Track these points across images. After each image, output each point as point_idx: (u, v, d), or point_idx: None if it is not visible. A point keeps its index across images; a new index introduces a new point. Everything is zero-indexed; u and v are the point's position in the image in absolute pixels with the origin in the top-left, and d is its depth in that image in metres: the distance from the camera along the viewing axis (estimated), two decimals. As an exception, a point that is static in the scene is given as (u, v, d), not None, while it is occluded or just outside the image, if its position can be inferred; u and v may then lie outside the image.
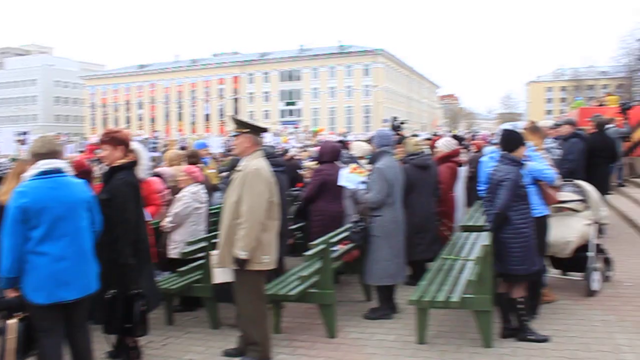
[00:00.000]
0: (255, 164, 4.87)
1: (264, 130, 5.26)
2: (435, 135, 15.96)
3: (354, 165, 6.54)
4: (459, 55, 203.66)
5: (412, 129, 48.47)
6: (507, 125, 5.95)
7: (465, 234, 7.11)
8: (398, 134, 11.84)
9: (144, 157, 6.12)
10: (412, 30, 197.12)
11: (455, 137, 10.33)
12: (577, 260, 6.68)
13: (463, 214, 7.95)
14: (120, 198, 4.63)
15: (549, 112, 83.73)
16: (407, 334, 5.59)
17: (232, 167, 6.21)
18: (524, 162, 5.34)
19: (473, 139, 17.77)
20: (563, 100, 78.09)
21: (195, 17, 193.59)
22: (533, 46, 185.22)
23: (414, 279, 6.50)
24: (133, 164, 4.90)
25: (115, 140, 4.83)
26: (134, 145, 5.49)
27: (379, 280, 6.09)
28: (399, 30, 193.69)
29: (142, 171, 5.74)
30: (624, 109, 15.05)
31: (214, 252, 5.21)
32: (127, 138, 4.94)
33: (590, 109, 17.05)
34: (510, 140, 5.31)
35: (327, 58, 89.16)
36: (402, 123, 19.58)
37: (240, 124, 5.08)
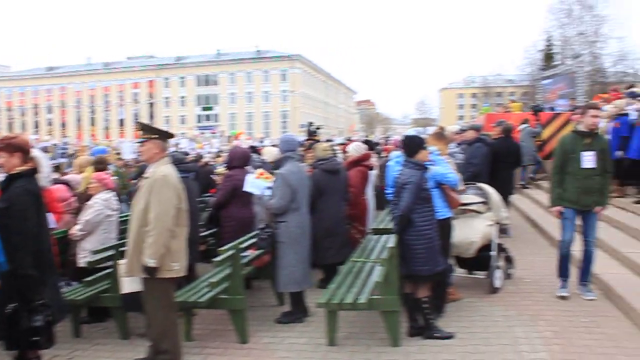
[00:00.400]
0: (162, 171, 4.79)
1: (171, 136, 5.19)
2: (349, 140, 16.22)
3: (260, 171, 6.55)
4: (375, 61, 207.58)
5: (329, 134, 48.99)
6: (412, 131, 6.15)
7: (376, 236, 7.27)
8: (313, 140, 11.93)
9: (45, 164, 5.90)
10: (329, 36, 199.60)
11: (366, 142, 10.55)
12: (480, 259, 7.00)
13: (374, 217, 8.12)
14: (19, 206, 4.43)
15: (460, 117, 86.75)
16: (319, 336, 5.65)
17: (139, 174, 6.10)
18: (427, 166, 5.53)
19: (387, 144, 18.18)
20: (473, 106, 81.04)
21: (108, 19, 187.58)
22: (446, 54, 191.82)
23: (326, 283, 6.56)
24: (33, 171, 4.70)
25: (12, 146, 4.62)
26: (34, 152, 5.28)
27: (285, 286, 6.13)
28: (315, 36, 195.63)
29: (43, 179, 5.52)
30: (536, 111, 16.03)
31: (121, 262, 5.09)
32: (25, 144, 4.72)
33: (496, 114, 17.82)
34: (411, 145, 5.48)
35: (245, 63, 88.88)
36: (317, 128, 19.72)
37: (148, 130, 4.99)
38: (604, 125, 10.88)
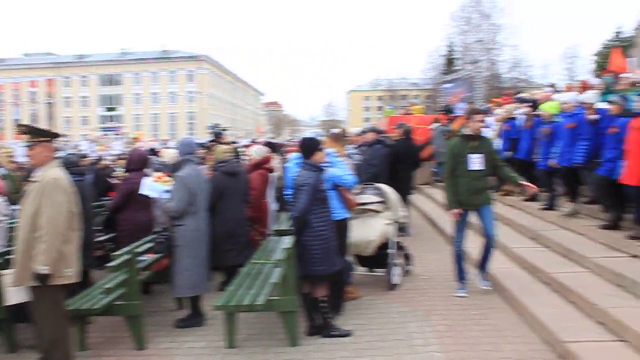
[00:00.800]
0: (52, 174, 4.63)
1: (58, 136, 5.04)
2: (253, 141, 16.20)
3: (158, 174, 6.45)
4: (283, 63, 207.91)
5: (237, 136, 48.70)
6: (310, 133, 6.25)
7: (277, 238, 7.31)
8: (218, 141, 11.81)
9: None
10: (236, 37, 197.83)
11: (269, 144, 10.58)
12: (379, 257, 7.22)
13: (276, 219, 8.17)
14: None
15: (367, 119, 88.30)
16: (218, 339, 5.64)
17: (27, 177, 5.84)
18: (324, 168, 5.64)
19: (290, 146, 18.27)
20: (380, 108, 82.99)
21: (2, 13, 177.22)
22: (354, 57, 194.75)
23: (227, 285, 6.54)
24: None
25: None
26: None
27: (181, 291, 6.06)
28: (223, 37, 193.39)
29: None
30: (447, 111, 16.65)
31: (6, 272, 4.85)
32: None
33: (398, 117, 18.34)
34: (308, 147, 5.56)
35: (150, 63, 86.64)
36: (224, 130, 19.58)
37: (36, 133, 4.80)
38: (496, 127, 11.49)
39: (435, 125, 15.21)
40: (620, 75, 8.78)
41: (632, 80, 8.26)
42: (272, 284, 5.33)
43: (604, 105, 7.99)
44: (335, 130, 8.09)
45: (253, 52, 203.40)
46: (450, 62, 46.60)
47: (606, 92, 8.83)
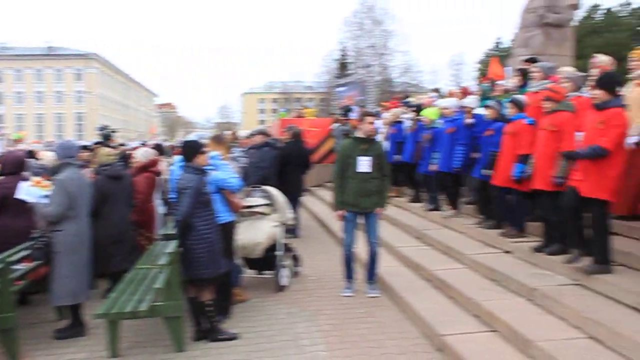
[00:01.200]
0: None
1: None
2: (143, 144, 15.73)
3: (37, 178, 6.14)
4: (177, 64, 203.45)
5: (129, 138, 47.22)
6: (192, 136, 6.18)
7: (164, 242, 7.15)
8: (102, 144, 11.39)
9: None
10: (128, 36, 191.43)
11: (157, 146, 10.34)
12: (268, 259, 7.25)
13: (164, 223, 8.00)
14: None
15: (262, 122, 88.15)
16: (100, 349, 5.43)
17: None
18: (207, 171, 5.59)
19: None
20: (274, 111, 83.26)
21: None
22: (249, 59, 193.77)
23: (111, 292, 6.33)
24: None
25: None
26: None
27: (60, 299, 5.77)
28: (114, 36, 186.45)
29: None
30: (345, 111, 16.90)
31: None
32: None
33: (290, 120, 18.47)
34: (189, 150, 5.51)
35: (34, 59, 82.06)
36: (113, 131, 18.93)
37: None
38: (385, 131, 11.85)
39: (336, 125, 15.53)
40: (496, 83, 9.30)
41: (505, 87, 8.78)
42: (155, 289, 5.21)
43: (481, 111, 8.46)
44: (218, 133, 8.03)
45: (146, 52, 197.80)
46: (343, 66, 47.51)
47: (484, 98, 9.34)
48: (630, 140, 5.78)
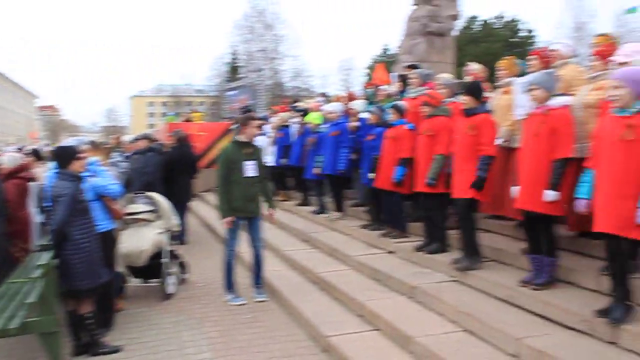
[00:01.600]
0: None
1: None
2: (19, 149, 14.84)
3: None
4: (59, 66, 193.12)
5: (7, 142, 44.43)
6: (71, 141, 5.93)
7: (41, 253, 6.78)
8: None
9: None
10: (5, 35, 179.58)
11: (34, 151, 9.78)
12: (153, 267, 7.07)
13: (41, 233, 7.57)
14: None
15: (151, 125, 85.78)
16: (-34, 371, 5.10)
17: None
18: (83, 177, 5.38)
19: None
20: (164, 114, 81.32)
21: None
22: (137, 61, 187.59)
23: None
24: None
25: None
26: None
27: None
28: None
29: None
30: (244, 112, 16.73)
31: None
32: None
33: (177, 124, 18.13)
34: (62, 156, 5.29)
35: None
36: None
37: None
38: (272, 134, 11.91)
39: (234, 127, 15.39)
40: (379, 88, 9.60)
41: (387, 92, 9.10)
42: (28, 305, 4.93)
43: (364, 115, 8.71)
44: (94, 139, 7.75)
45: (25, 53, 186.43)
46: (234, 69, 47.17)
47: (370, 103, 9.62)
48: (497, 141, 6.17)
